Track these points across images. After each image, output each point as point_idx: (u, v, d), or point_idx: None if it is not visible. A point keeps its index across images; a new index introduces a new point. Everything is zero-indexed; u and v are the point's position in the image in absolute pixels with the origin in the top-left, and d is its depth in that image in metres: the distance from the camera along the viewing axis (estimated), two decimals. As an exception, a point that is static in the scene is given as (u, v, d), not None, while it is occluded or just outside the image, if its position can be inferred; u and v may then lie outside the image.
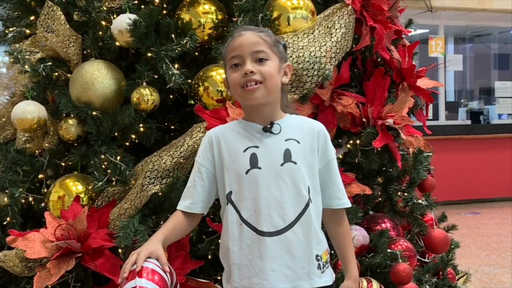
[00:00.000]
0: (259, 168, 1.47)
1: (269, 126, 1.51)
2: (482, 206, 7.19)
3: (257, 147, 1.50)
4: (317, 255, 1.51)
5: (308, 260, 1.49)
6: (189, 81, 2.18)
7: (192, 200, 1.54)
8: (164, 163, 2.09)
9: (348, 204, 1.62)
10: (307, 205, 1.48)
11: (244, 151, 1.50)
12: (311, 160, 1.52)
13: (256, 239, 1.45)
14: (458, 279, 2.75)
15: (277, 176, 1.47)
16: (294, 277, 1.47)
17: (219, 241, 1.62)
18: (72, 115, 2.25)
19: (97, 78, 2.19)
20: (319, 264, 1.51)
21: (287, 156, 1.49)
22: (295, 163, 1.49)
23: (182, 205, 1.56)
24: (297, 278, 1.47)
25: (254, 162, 1.48)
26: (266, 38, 1.52)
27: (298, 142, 1.52)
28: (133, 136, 2.23)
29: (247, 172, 1.47)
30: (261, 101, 1.50)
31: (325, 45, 2.20)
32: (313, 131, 1.55)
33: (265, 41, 1.51)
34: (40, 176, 2.36)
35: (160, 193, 2.10)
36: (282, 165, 1.48)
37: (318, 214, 1.55)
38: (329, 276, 1.55)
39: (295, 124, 1.56)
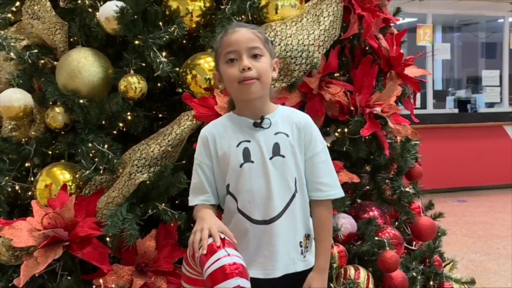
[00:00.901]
0: (252, 162, 1.56)
1: (259, 121, 1.59)
2: (468, 194, 7.26)
3: (249, 141, 1.58)
4: (300, 242, 1.62)
5: (294, 247, 1.60)
6: (177, 69, 2.17)
7: (207, 194, 1.63)
8: (152, 151, 2.08)
9: (332, 196, 1.65)
10: (293, 196, 1.58)
11: (237, 145, 1.58)
12: (298, 152, 1.60)
13: (250, 227, 1.56)
14: (444, 266, 2.77)
15: (266, 169, 1.56)
16: (282, 263, 1.58)
17: None
18: (59, 103, 2.23)
19: (84, 66, 2.17)
20: (301, 250, 1.62)
21: (276, 150, 1.57)
22: (283, 156, 1.57)
23: (198, 199, 1.63)
24: (285, 264, 1.59)
25: (247, 156, 1.57)
26: (259, 35, 1.59)
27: (287, 136, 1.59)
28: (121, 124, 2.22)
29: (241, 166, 1.56)
30: (256, 95, 1.57)
31: (313, 33, 2.20)
32: (300, 124, 1.62)
33: (259, 38, 1.58)
34: (27, 164, 2.34)
35: (148, 182, 2.09)
36: (271, 158, 1.57)
37: (305, 203, 1.64)
38: (309, 261, 1.64)
39: (285, 117, 1.63)
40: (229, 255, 1.42)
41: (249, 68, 1.53)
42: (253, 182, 1.56)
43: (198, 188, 1.64)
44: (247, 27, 1.62)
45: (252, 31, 1.59)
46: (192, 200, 1.64)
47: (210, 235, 1.47)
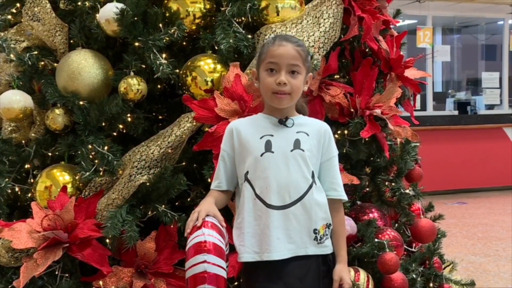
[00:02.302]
0: (272, 152, 1.72)
1: (284, 119, 1.77)
2: (468, 196, 7.26)
3: (272, 135, 1.74)
4: (315, 229, 1.74)
5: (308, 232, 1.73)
6: (177, 71, 2.17)
7: (219, 180, 1.81)
8: (152, 153, 2.09)
9: (344, 197, 1.85)
10: (310, 187, 1.73)
11: (261, 138, 1.74)
12: (316, 153, 1.77)
13: (265, 211, 1.70)
14: (444, 268, 2.77)
15: (286, 159, 1.72)
16: (294, 245, 1.72)
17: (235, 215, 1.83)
18: (59, 105, 2.24)
19: (84, 68, 2.18)
20: (316, 236, 1.75)
21: (297, 144, 1.74)
22: (303, 150, 1.74)
23: (213, 185, 1.83)
24: (296, 247, 1.72)
25: (268, 147, 1.72)
26: (302, 53, 1.74)
27: (308, 135, 1.77)
28: (121, 126, 2.22)
29: (262, 155, 1.71)
30: (284, 107, 1.76)
31: (313, 35, 2.20)
32: (321, 129, 1.81)
33: (301, 56, 1.74)
34: (27, 166, 2.34)
35: (148, 183, 2.09)
36: (291, 151, 1.73)
37: (323, 196, 1.78)
38: (327, 247, 1.78)
39: (305, 122, 1.83)
40: (203, 234, 1.61)
41: (284, 84, 1.71)
42: (271, 171, 1.70)
43: (216, 174, 1.83)
44: (293, 43, 1.75)
45: (297, 49, 1.74)
46: (213, 185, 1.83)
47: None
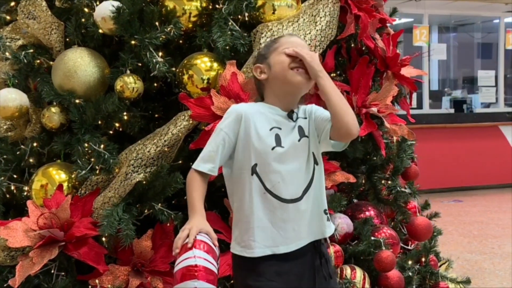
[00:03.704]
0: (282, 147, 1.69)
1: (291, 113, 1.74)
2: (464, 194, 7.27)
3: (280, 128, 1.71)
4: (324, 210, 1.76)
5: (321, 217, 1.75)
6: (173, 69, 2.17)
7: (214, 164, 1.69)
8: (149, 151, 2.08)
9: None
10: (313, 171, 1.73)
11: (270, 130, 1.70)
12: (312, 129, 1.76)
13: (279, 206, 1.67)
14: (440, 266, 2.78)
15: (295, 151, 1.71)
16: (311, 234, 1.72)
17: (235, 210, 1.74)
18: (55, 103, 2.23)
19: (80, 66, 2.17)
20: (327, 216, 1.77)
21: (301, 132, 1.73)
22: (307, 136, 1.74)
23: (205, 167, 1.69)
24: (314, 235, 1.73)
25: (278, 141, 1.70)
26: (305, 45, 1.81)
27: (304, 118, 1.77)
28: (117, 124, 2.22)
29: (272, 149, 1.68)
30: (300, 86, 1.73)
31: (309, 33, 2.20)
32: (309, 108, 1.81)
33: (306, 47, 1.80)
34: (23, 164, 2.33)
35: (144, 182, 2.09)
36: (299, 140, 1.72)
37: (322, 173, 1.78)
38: (331, 224, 1.81)
39: (302, 108, 1.81)
40: (194, 257, 1.49)
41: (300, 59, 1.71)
42: (283, 165, 1.68)
43: (210, 156, 1.70)
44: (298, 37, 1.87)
45: (303, 40, 1.97)
46: (199, 165, 1.69)
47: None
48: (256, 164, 1.68)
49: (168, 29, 2.14)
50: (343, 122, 1.67)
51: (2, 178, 2.26)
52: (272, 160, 1.67)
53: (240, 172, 1.71)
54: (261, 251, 1.65)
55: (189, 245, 1.52)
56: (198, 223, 1.60)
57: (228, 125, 1.71)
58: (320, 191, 1.75)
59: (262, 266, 1.66)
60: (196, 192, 1.68)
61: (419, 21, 8.15)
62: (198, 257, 1.50)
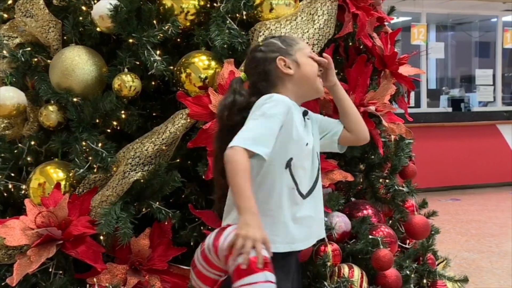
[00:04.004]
0: (307, 144, 1.71)
1: (306, 112, 1.77)
2: (462, 193, 7.28)
3: (304, 126, 1.74)
4: (323, 210, 1.78)
5: (321, 217, 1.77)
6: (171, 67, 2.16)
7: (269, 149, 1.54)
8: (146, 150, 2.08)
9: None
10: (318, 169, 1.75)
11: (304, 126, 1.73)
12: (315, 130, 1.80)
13: (300, 202, 1.67)
14: (438, 264, 2.78)
15: (313, 150, 1.74)
16: (316, 233, 1.75)
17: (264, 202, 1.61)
18: (53, 102, 2.23)
19: (77, 64, 2.17)
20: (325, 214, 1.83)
21: (315, 132, 1.78)
22: (313, 135, 1.77)
23: (264, 151, 1.53)
24: (317, 234, 1.76)
25: (308, 137, 1.73)
26: None
27: (308, 119, 1.78)
28: (115, 123, 2.21)
29: (306, 145, 1.70)
30: (320, 94, 1.82)
31: (307, 32, 2.20)
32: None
33: None
34: (20, 163, 2.33)
35: (142, 180, 2.09)
36: (320, 139, 1.80)
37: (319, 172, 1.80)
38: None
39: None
40: (266, 281, 1.34)
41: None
42: (308, 162, 1.70)
43: (266, 140, 1.54)
44: None
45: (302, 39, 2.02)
46: (258, 148, 1.51)
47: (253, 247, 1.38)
48: (291, 158, 1.63)
49: (166, 27, 2.13)
50: (360, 130, 1.80)
51: (0, 176, 2.25)
52: (304, 156, 1.69)
53: (271, 164, 1.61)
54: (282, 247, 1.59)
55: (260, 266, 1.34)
56: (260, 232, 1.40)
57: (282, 111, 1.59)
58: (321, 190, 1.78)
59: (281, 262, 1.57)
60: (248, 182, 1.46)
61: (417, 19, 8.16)
62: (270, 282, 1.34)
